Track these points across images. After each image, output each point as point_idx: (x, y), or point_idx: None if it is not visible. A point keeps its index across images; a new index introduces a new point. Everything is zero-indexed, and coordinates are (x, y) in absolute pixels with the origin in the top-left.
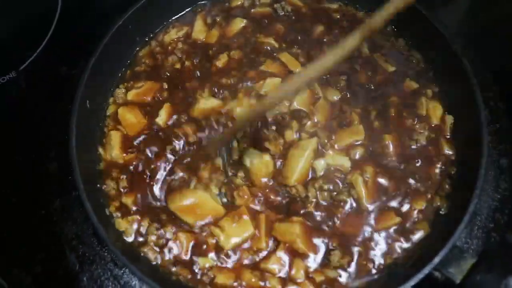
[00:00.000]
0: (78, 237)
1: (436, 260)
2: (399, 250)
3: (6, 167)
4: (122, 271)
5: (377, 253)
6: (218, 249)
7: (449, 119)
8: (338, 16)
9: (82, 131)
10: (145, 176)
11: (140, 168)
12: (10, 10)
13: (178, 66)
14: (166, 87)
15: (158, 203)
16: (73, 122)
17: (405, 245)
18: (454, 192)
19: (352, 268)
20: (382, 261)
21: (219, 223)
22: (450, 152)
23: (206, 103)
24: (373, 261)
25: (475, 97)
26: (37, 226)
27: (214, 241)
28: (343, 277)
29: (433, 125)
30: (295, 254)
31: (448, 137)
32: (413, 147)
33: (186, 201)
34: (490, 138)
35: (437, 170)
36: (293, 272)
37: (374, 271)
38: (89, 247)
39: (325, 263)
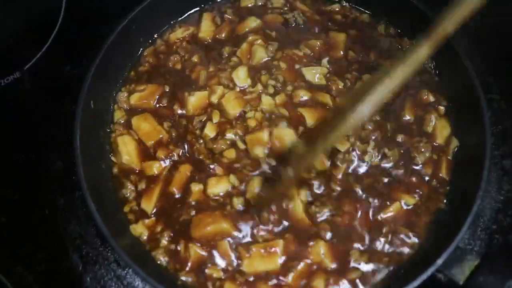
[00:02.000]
0: (81, 236)
1: (439, 261)
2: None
3: (9, 166)
4: (125, 272)
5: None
6: (235, 268)
7: (454, 142)
8: (343, 19)
9: (87, 131)
10: (162, 183)
11: (157, 173)
12: (14, 10)
13: (179, 66)
14: (168, 90)
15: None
16: (78, 121)
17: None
18: (457, 194)
19: (370, 266)
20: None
21: (251, 247)
22: (446, 178)
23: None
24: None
25: (478, 98)
26: (40, 225)
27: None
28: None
29: (436, 144)
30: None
31: (450, 159)
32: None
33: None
34: (493, 140)
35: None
36: (314, 284)
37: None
38: (92, 247)
39: (345, 266)
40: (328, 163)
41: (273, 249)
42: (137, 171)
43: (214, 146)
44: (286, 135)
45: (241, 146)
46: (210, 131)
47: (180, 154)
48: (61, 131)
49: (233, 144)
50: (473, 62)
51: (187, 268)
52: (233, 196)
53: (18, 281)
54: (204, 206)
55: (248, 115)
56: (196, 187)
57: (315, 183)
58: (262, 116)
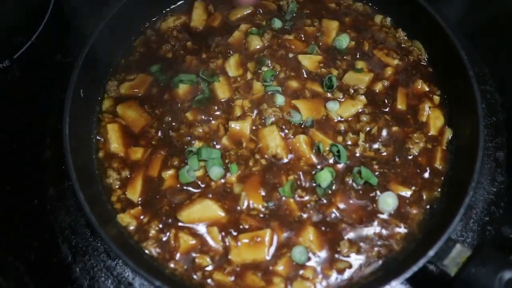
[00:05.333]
0: (71, 227)
1: (431, 253)
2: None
3: None
4: (115, 263)
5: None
6: (223, 257)
7: (448, 132)
8: (337, 7)
9: (76, 120)
10: (149, 168)
11: (144, 159)
12: None
13: (170, 55)
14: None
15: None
16: (67, 110)
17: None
18: (450, 185)
19: (360, 257)
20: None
21: (239, 236)
22: (440, 169)
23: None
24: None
25: (472, 90)
26: (30, 215)
27: (220, 247)
28: (353, 267)
29: (429, 134)
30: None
31: (444, 149)
32: (409, 156)
33: (194, 212)
34: (487, 131)
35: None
36: (302, 272)
37: (380, 259)
38: (82, 238)
39: (335, 256)
40: (315, 158)
41: (260, 239)
42: (123, 159)
43: (194, 130)
44: (269, 136)
45: (222, 133)
46: (191, 116)
47: (160, 139)
48: (50, 120)
49: (213, 131)
50: (468, 53)
51: (176, 258)
52: (211, 181)
53: (9, 271)
54: (183, 190)
55: (236, 102)
56: (171, 172)
57: (304, 173)
58: (250, 106)
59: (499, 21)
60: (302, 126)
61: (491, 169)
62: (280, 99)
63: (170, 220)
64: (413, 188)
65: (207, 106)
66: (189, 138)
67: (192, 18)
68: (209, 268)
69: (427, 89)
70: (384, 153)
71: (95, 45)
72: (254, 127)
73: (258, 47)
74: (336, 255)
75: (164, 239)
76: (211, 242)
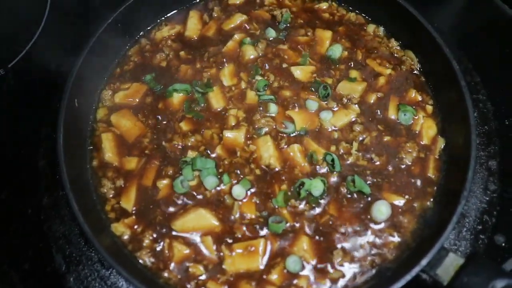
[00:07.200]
0: (65, 236)
1: (424, 262)
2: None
3: None
4: (109, 272)
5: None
6: (217, 266)
7: (441, 141)
8: (330, 17)
9: (70, 130)
10: (143, 178)
11: (139, 169)
12: None
13: (164, 64)
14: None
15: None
16: (61, 120)
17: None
18: (442, 194)
19: (354, 266)
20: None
21: (233, 245)
22: (433, 178)
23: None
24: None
25: (464, 99)
26: (24, 223)
27: (214, 257)
28: (347, 276)
29: (422, 144)
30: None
31: (437, 158)
32: (402, 166)
33: (188, 221)
34: (479, 140)
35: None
36: (296, 281)
37: (373, 268)
38: (76, 247)
39: (328, 265)
40: (309, 168)
41: (253, 248)
42: (117, 169)
43: (188, 140)
44: (263, 147)
45: (216, 142)
46: (185, 126)
47: (154, 149)
48: (44, 129)
49: (207, 140)
50: (459, 62)
51: (170, 267)
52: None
53: (3, 279)
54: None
55: (230, 112)
56: (166, 182)
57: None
58: (245, 115)
59: (491, 29)
60: (296, 135)
61: (483, 178)
62: (273, 108)
63: (164, 230)
64: (406, 197)
65: (201, 116)
66: (182, 147)
67: (187, 27)
68: (203, 277)
69: (419, 98)
70: (377, 163)
71: (90, 54)
72: (248, 136)
73: (252, 56)
74: (330, 264)
75: (158, 248)
76: (205, 251)
